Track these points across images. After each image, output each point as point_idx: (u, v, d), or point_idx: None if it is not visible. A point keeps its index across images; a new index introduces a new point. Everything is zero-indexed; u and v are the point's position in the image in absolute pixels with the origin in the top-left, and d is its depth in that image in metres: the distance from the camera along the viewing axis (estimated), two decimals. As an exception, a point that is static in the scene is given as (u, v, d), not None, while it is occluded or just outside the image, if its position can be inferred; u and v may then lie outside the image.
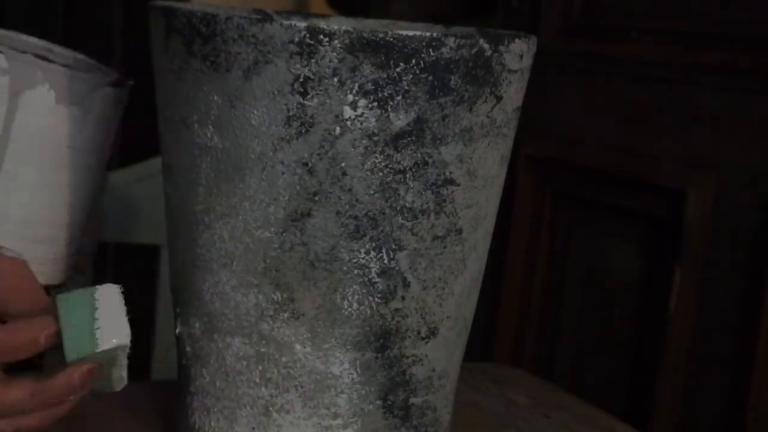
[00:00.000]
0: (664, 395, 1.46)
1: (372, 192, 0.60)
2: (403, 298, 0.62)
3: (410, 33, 0.58)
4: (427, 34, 0.58)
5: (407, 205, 0.61)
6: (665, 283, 1.45)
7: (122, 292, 0.62)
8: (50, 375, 0.62)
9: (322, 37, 0.57)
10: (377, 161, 0.60)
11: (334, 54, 0.58)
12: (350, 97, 0.58)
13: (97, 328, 0.61)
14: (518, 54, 0.62)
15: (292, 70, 0.58)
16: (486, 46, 0.60)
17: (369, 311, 0.62)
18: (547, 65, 1.34)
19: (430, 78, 0.59)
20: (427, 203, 0.61)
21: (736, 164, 1.38)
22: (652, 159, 1.48)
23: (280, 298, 0.62)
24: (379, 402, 0.64)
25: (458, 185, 0.62)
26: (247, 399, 0.64)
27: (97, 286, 0.62)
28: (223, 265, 0.62)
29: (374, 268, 0.61)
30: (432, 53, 0.59)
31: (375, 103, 0.59)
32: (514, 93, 0.63)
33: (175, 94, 0.62)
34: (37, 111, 0.66)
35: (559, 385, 0.97)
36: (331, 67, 0.58)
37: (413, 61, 0.58)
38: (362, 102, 0.59)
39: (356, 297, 0.62)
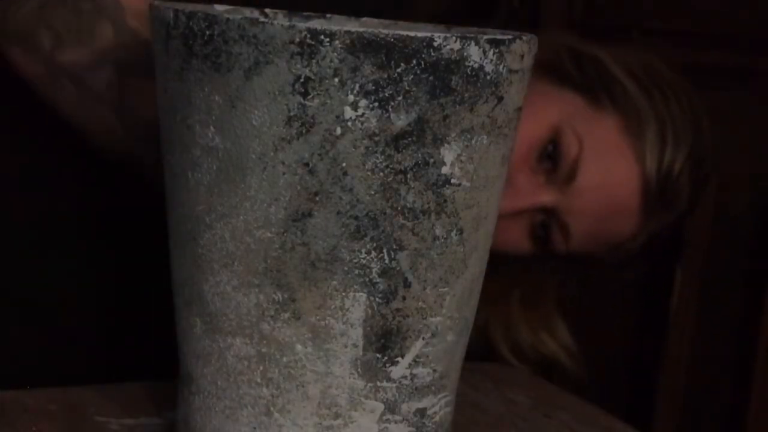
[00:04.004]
0: (664, 395, 1.46)
1: (373, 192, 0.60)
2: (404, 298, 0.63)
3: (411, 33, 0.58)
4: (428, 34, 0.59)
5: (408, 205, 0.61)
6: (666, 283, 1.45)
7: None
8: None
9: (322, 37, 0.58)
10: (378, 161, 0.60)
11: (335, 54, 0.58)
12: (351, 98, 0.58)
13: None
14: (519, 54, 0.62)
15: (293, 71, 0.58)
16: (487, 46, 0.60)
17: (370, 311, 0.62)
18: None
19: (431, 78, 0.59)
20: (428, 203, 0.61)
21: (736, 164, 1.38)
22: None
23: (281, 298, 0.62)
24: (380, 402, 0.64)
25: (459, 185, 0.62)
26: (249, 399, 0.64)
27: None
28: (224, 265, 0.62)
29: (375, 268, 0.61)
30: (433, 53, 0.59)
31: (376, 104, 0.59)
32: (515, 93, 0.63)
33: (176, 95, 0.62)
34: None
35: (559, 385, 0.97)
36: (331, 68, 0.58)
37: (414, 61, 0.58)
38: (363, 102, 0.59)
39: (357, 297, 0.62)
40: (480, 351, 1.05)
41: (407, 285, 0.62)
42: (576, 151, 0.99)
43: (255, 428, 0.64)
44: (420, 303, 0.63)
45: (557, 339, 1.12)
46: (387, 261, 0.62)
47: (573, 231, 1.01)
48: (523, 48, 0.62)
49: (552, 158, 1.00)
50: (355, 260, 0.61)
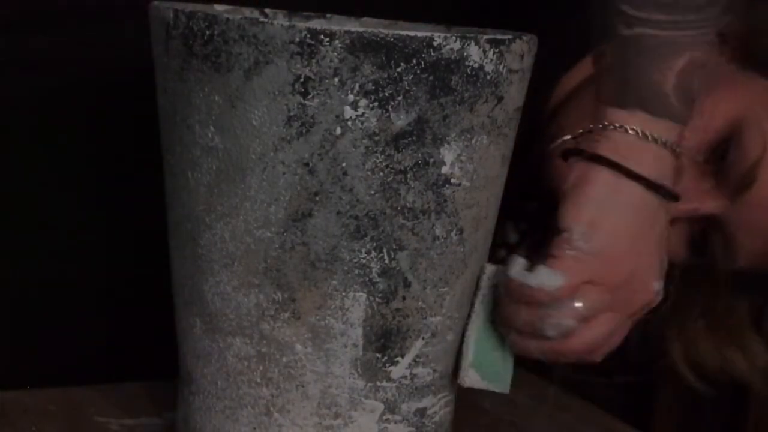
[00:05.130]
0: (664, 395, 1.46)
1: (373, 192, 0.60)
2: (403, 298, 0.63)
3: (411, 33, 0.58)
4: (428, 34, 0.59)
5: (408, 205, 0.61)
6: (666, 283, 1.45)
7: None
8: None
9: (322, 37, 0.58)
10: (378, 161, 0.60)
11: (335, 54, 0.58)
12: (351, 97, 0.58)
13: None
14: (519, 54, 0.62)
15: (293, 70, 0.58)
16: (487, 46, 0.60)
17: (370, 311, 0.62)
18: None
19: (431, 78, 0.59)
20: (427, 203, 0.61)
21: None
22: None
23: (281, 298, 0.62)
24: (379, 402, 0.64)
25: (459, 185, 0.62)
26: (249, 399, 0.64)
27: None
28: (224, 265, 0.62)
29: (375, 268, 0.61)
30: (433, 53, 0.59)
31: (376, 103, 0.59)
32: (515, 93, 0.63)
33: (176, 95, 0.62)
34: None
35: (559, 385, 0.96)
36: (331, 67, 0.58)
37: (414, 61, 0.58)
38: (363, 102, 0.59)
39: (357, 297, 0.62)
40: (656, 367, 0.94)
41: (407, 285, 0.62)
42: (758, 153, 0.80)
43: (255, 428, 0.64)
44: (420, 303, 0.63)
45: (750, 359, 0.92)
46: (387, 261, 0.62)
47: (740, 247, 0.83)
48: (522, 48, 0.62)
49: (725, 159, 0.81)
50: (355, 260, 0.61)
